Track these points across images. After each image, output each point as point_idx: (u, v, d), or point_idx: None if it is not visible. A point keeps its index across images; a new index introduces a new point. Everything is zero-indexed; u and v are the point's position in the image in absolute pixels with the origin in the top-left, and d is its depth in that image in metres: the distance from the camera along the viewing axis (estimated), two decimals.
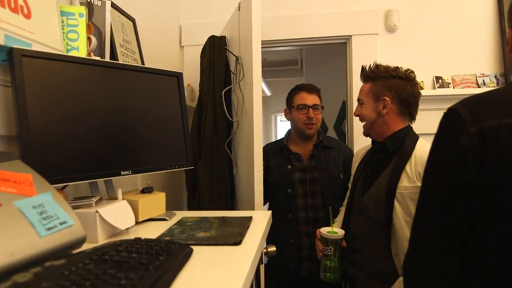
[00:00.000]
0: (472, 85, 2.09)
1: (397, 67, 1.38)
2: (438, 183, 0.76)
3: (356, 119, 2.15)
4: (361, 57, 2.16)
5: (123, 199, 1.00)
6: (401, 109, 1.33)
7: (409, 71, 1.36)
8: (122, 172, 1.01)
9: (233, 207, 1.70)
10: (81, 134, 0.93)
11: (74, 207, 0.89)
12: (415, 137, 1.32)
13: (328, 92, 3.17)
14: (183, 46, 2.30)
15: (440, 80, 2.11)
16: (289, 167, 1.81)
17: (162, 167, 1.16)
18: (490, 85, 2.06)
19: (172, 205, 1.83)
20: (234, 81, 1.64)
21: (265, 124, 7.49)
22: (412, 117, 1.38)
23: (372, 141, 1.47)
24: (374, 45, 2.16)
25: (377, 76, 1.35)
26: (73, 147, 0.91)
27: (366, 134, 1.45)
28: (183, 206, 2.05)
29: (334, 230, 1.35)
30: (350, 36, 2.17)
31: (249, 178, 1.47)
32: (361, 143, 2.14)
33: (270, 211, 1.22)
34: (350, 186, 1.63)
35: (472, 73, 2.11)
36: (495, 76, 2.08)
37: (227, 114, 1.61)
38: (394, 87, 1.32)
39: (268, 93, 6.15)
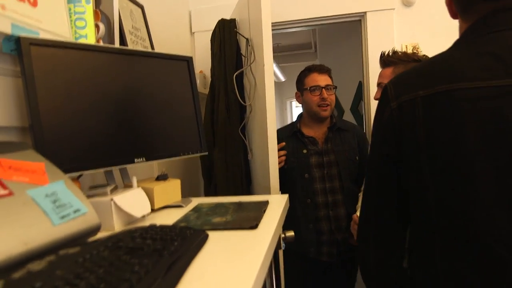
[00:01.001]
0: None
1: (414, 52, 1.43)
2: (370, 157, 0.83)
3: (373, 100, 2.09)
4: (377, 35, 2.08)
5: (138, 186, 1.00)
6: None
7: (425, 55, 1.40)
8: (135, 160, 1.01)
9: (249, 193, 1.69)
10: (93, 123, 0.92)
11: (89, 196, 0.89)
12: None
13: (344, 73, 3.10)
14: (193, 33, 2.27)
15: None
16: (305, 151, 1.78)
17: (175, 154, 1.15)
18: None
19: (188, 193, 1.83)
20: (245, 64, 1.60)
21: (280, 110, 7.44)
22: None
23: None
24: (390, 22, 2.08)
25: (398, 60, 1.38)
26: (85, 136, 0.90)
27: None
28: (200, 194, 2.06)
29: None
30: (365, 13, 2.09)
31: (264, 163, 1.45)
32: None
33: (287, 195, 1.20)
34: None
35: None
36: None
37: (239, 98, 1.58)
38: None
39: (282, 78, 6.08)
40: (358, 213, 1.48)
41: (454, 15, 0.85)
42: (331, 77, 1.81)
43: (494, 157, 0.63)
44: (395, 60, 1.41)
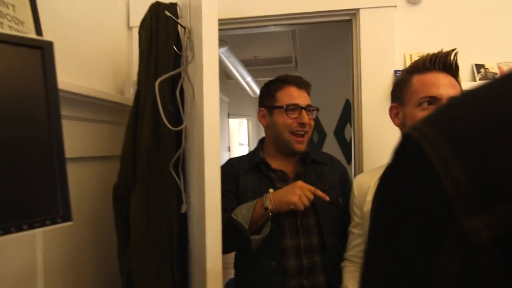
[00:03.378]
0: None
1: None
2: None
3: (369, 125, 1.57)
4: (373, 39, 1.58)
5: None
6: None
7: None
8: None
9: (185, 274, 1.09)
10: None
11: None
12: None
13: (328, 90, 2.59)
14: (131, 27, 1.70)
15: (482, 70, 1.53)
16: (271, 190, 1.22)
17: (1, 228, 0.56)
18: None
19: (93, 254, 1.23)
20: (182, 65, 1.05)
21: (256, 128, 6.88)
22: None
23: None
24: (390, 23, 1.58)
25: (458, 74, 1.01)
26: None
27: None
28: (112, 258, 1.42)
29: None
30: (358, 10, 1.59)
31: (199, 221, 0.88)
32: (373, 157, 1.55)
33: None
34: (355, 231, 1.17)
35: None
36: None
37: (164, 119, 1.00)
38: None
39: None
40: None
41: None
42: (309, 95, 1.31)
43: None
44: (455, 70, 1.00)
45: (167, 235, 1.04)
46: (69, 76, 1.19)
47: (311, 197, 1.09)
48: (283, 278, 1.17)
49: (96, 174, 1.30)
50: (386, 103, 1.57)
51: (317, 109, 1.31)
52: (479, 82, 1.48)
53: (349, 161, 2.16)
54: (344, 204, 1.27)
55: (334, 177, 1.31)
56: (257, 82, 5.21)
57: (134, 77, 1.68)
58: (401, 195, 0.29)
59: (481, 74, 1.53)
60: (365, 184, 1.13)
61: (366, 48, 1.59)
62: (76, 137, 1.16)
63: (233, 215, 1.09)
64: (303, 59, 3.43)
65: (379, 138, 1.54)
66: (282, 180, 1.25)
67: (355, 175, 1.70)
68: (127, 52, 1.70)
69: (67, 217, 0.53)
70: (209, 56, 0.83)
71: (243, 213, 1.09)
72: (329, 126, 2.56)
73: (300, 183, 1.12)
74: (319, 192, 1.11)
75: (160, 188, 1.08)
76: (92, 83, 1.32)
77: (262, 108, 1.32)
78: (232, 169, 1.29)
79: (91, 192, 1.26)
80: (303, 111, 1.23)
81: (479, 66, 1.54)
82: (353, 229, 1.17)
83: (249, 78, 4.81)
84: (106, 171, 1.33)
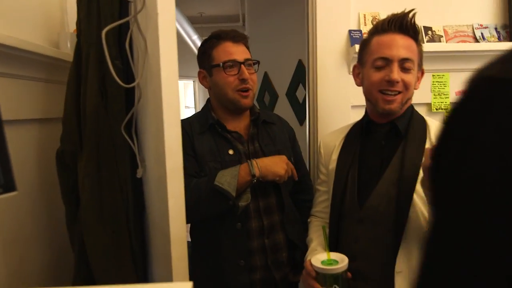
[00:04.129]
0: (469, 39, 1.60)
1: None
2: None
3: (323, 86, 1.57)
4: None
5: None
6: None
7: None
8: None
9: (143, 238, 1.04)
10: None
11: None
12: (420, 116, 1.06)
13: (279, 51, 2.54)
14: None
15: (429, 32, 1.59)
16: (231, 152, 1.19)
17: None
18: (491, 40, 1.59)
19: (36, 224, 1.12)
20: (131, 13, 0.93)
21: (203, 90, 6.68)
22: None
23: (366, 122, 1.09)
24: None
25: (417, 34, 1.02)
26: None
27: (396, 112, 1.02)
28: (61, 223, 1.30)
29: (333, 258, 0.94)
30: None
31: (161, 186, 0.83)
32: (328, 117, 1.57)
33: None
34: (321, 188, 1.19)
35: (468, 24, 1.61)
36: (495, 28, 1.61)
37: (115, 76, 0.89)
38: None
39: None
40: (311, 258, 0.96)
41: None
42: (248, 48, 1.25)
43: None
44: (417, 34, 1.01)
45: (122, 202, 0.97)
46: None
47: (292, 173, 1.18)
48: (247, 239, 1.18)
49: (35, 139, 1.15)
50: (341, 63, 1.58)
51: (258, 62, 1.25)
52: (427, 45, 1.53)
53: (301, 122, 2.19)
54: (294, 162, 1.28)
55: (285, 136, 1.32)
56: None
57: (70, 28, 1.49)
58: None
59: (429, 36, 1.58)
60: (331, 143, 1.16)
61: (322, 7, 1.55)
62: (7, 97, 1.00)
63: (217, 183, 1.06)
64: (252, 18, 3.31)
65: (334, 99, 1.55)
66: (238, 141, 1.22)
67: (309, 136, 1.72)
68: (61, 2, 1.49)
69: (10, 187, 0.45)
70: (165, 3, 0.74)
71: (228, 181, 1.07)
72: (281, 87, 2.54)
73: (285, 158, 1.18)
74: (295, 172, 1.19)
75: (111, 152, 0.99)
76: (20, 35, 1.14)
77: (201, 70, 1.26)
78: (185, 132, 1.19)
79: (28, 159, 1.13)
80: (242, 66, 1.17)
81: (426, 28, 1.59)
82: (319, 186, 1.21)
83: (195, 37, 4.57)
84: (46, 135, 1.19)
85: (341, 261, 0.91)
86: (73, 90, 1.04)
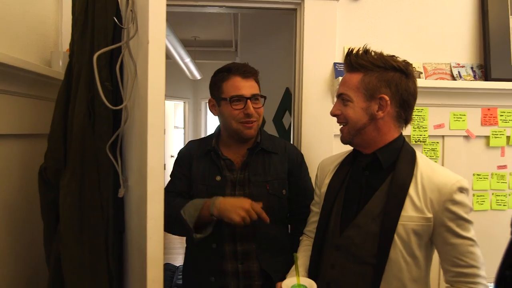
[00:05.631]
0: (446, 76, 1.69)
1: (393, 55, 1.02)
2: None
3: (308, 114, 1.63)
4: (316, 30, 1.62)
5: None
6: (398, 113, 1.01)
7: (406, 62, 1.03)
8: None
9: (121, 260, 1.04)
10: None
11: None
12: (411, 151, 1.03)
13: (268, 78, 2.61)
14: None
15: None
16: (218, 178, 1.24)
17: None
18: (467, 78, 1.68)
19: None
20: (123, 40, 0.97)
21: (194, 113, 6.74)
22: (407, 124, 1.06)
23: (354, 151, 1.10)
24: (332, 15, 1.63)
25: (372, 65, 0.99)
26: None
27: (347, 141, 1.06)
28: (37, 243, 1.27)
29: (302, 284, 0.98)
30: (303, 0, 1.61)
31: (140, 206, 0.84)
32: (311, 145, 1.62)
33: None
34: (315, 209, 1.20)
35: (446, 62, 1.70)
36: (472, 68, 1.70)
37: (104, 98, 0.92)
38: (395, 83, 0.99)
39: (198, 76, 5.45)
40: (285, 282, 0.98)
41: None
42: (258, 82, 1.30)
43: None
44: (367, 64, 0.98)
45: (102, 221, 0.98)
46: None
47: (255, 217, 1.11)
48: (220, 260, 1.21)
49: (17, 154, 1.16)
50: (326, 94, 1.64)
51: (265, 97, 1.30)
52: None
53: None
54: (292, 193, 1.31)
55: (283, 167, 1.31)
56: (196, 64, 5.07)
57: (63, 48, 1.52)
58: None
59: None
60: (326, 167, 1.18)
61: (309, 38, 1.63)
62: None
63: (182, 211, 1.12)
64: (244, 44, 3.41)
65: (318, 128, 1.60)
66: (228, 169, 1.26)
67: None
68: (55, 19, 1.53)
69: None
70: (156, 32, 0.78)
71: (190, 213, 1.12)
72: (268, 113, 2.60)
73: (248, 203, 1.12)
74: (264, 216, 1.12)
75: (95, 171, 1.01)
76: (13, 52, 1.16)
77: (211, 99, 1.32)
78: (188, 153, 1.32)
79: (13, 173, 1.13)
80: (248, 101, 1.21)
81: None
82: (313, 207, 1.22)
83: (187, 59, 4.65)
84: (29, 151, 1.20)
85: (309, 287, 0.95)
86: (61, 107, 1.06)
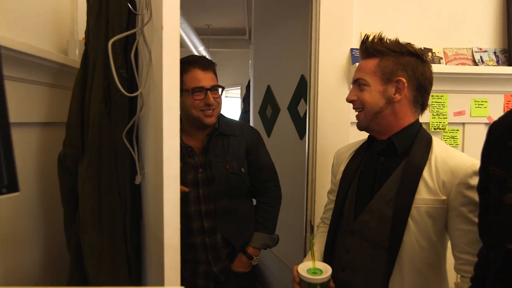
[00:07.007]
0: (468, 62, 1.63)
1: (408, 43, 1.02)
2: None
3: (324, 102, 1.60)
4: (332, 15, 1.58)
5: None
6: (415, 97, 1.01)
7: (421, 49, 1.09)
8: None
9: (138, 246, 1.06)
10: None
11: None
12: (427, 136, 1.03)
13: (282, 65, 2.59)
14: None
15: (430, 54, 1.62)
16: (180, 165, 1.30)
17: None
18: (489, 63, 1.62)
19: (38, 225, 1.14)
20: (137, 26, 0.97)
21: None
22: (423, 110, 1.06)
23: (369, 138, 1.10)
24: (349, 2, 1.59)
25: (388, 50, 1.00)
26: None
27: (364, 127, 1.06)
28: (58, 227, 1.31)
29: (318, 268, 0.99)
30: None
31: (157, 193, 0.85)
32: (327, 132, 1.60)
33: None
34: (331, 196, 1.24)
35: (468, 47, 1.64)
36: (494, 53, 1.64)
37: (119, 85, 0.92)
38: (411, 67, 0.99)
39: None
40: (301, 266, 0.98)
41: None
42: (215, 74, 1.42)
43: None
44: (383, 49, 0.99)
45: (120, 208, 0.99)
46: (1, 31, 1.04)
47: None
48: (190, 236, 1.36)
49: (38, 142, 1.18)
50: (342, 80, 1.61)
51: (223, 88, 1.40)
52: None
53: (301, 135, 2.20)
54: (251, 170, 1.46)
55: (240, 147, 1.44)
56: (210, 53, 5.05)
57: (79, 36, 1.53)
58: None
59: (429, 58, 1.62)
60: (342, 155, 1.20)
61: (325, 23, 1.59)
62: (14, 100, 1.03)
63: None
64: (258, 32, 3.37)
65: (334, 115, 1.58)
66: (189, 155, 1.38)
67: (308, 150, 1.75)
68: (70, 8, 1.53)
69: (13, 187, 0.47)
70: (170, 17, 0.77)
71: None
72: (283, 101, 2.57)
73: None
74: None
75: (112, 158, 1.02)
76: (30, 41, 1.18)
77: None
78: None
79: (31, 161, 1.15)
80: (208, 92, 1.31)
81: (427, 50, 1.62)
82: (329, 194, 1.26)
83: (201, 48, 4.64)
84: (49, 138, 1.22)
85: (325, 271, 0.96)
86: (78, 96, 1.08)
